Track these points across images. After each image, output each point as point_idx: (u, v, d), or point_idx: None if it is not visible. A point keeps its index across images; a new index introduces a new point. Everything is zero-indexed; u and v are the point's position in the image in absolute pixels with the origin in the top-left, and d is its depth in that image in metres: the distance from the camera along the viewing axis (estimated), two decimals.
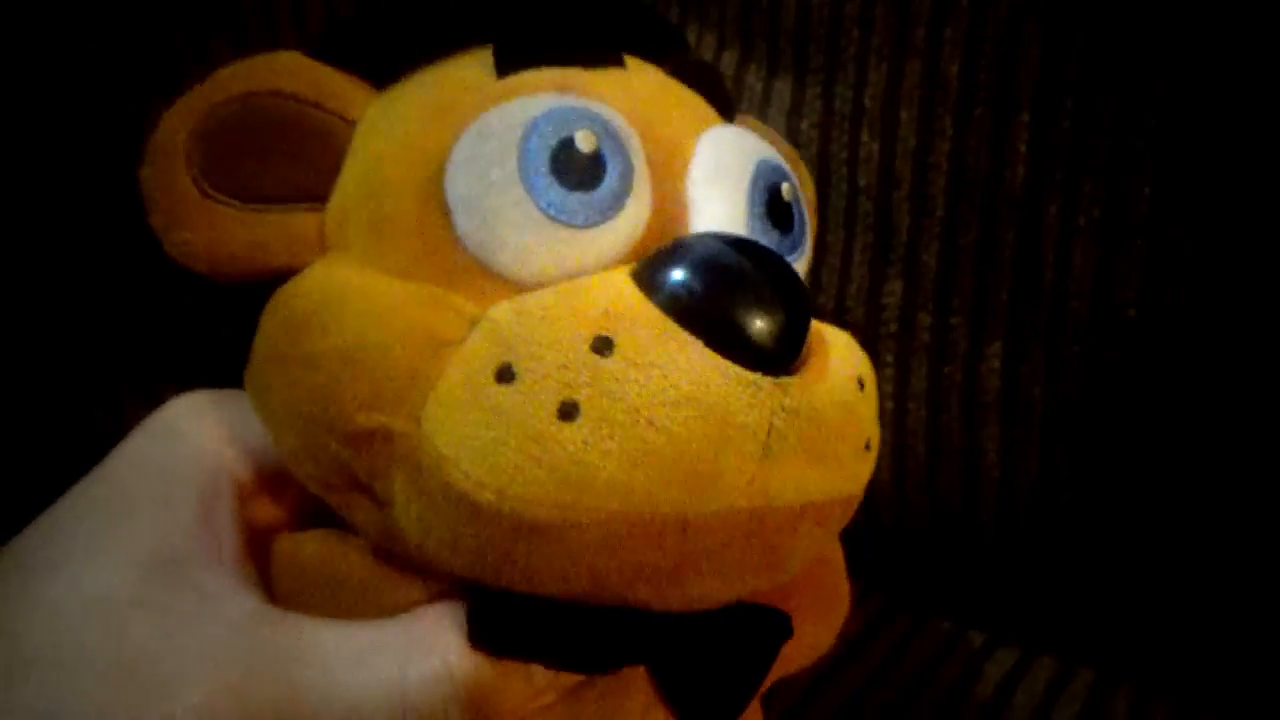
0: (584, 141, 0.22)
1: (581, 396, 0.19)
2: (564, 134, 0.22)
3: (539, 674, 0.22)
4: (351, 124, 0.24)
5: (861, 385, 0.23)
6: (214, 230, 0.23)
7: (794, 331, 0.21)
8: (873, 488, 0.24)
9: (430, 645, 0.22)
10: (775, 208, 0.25)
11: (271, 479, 0.25)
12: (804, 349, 0.22)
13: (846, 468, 0.22)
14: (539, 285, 0.21)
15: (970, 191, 0.37)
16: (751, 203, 0.24)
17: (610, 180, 0.22)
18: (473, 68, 0.24)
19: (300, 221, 0.23)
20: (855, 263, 0.40)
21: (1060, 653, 0.42)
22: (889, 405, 0.40)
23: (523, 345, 0.20)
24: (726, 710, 0.25)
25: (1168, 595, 0.39)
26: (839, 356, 0.23)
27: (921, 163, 0.38)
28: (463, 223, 0.22)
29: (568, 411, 0.19)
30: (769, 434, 0.20)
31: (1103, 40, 0.34)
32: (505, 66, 0.24)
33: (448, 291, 0.22)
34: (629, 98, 0.24)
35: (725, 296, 0.21)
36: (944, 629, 0.44)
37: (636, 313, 0.20)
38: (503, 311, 0.21)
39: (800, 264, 0.26)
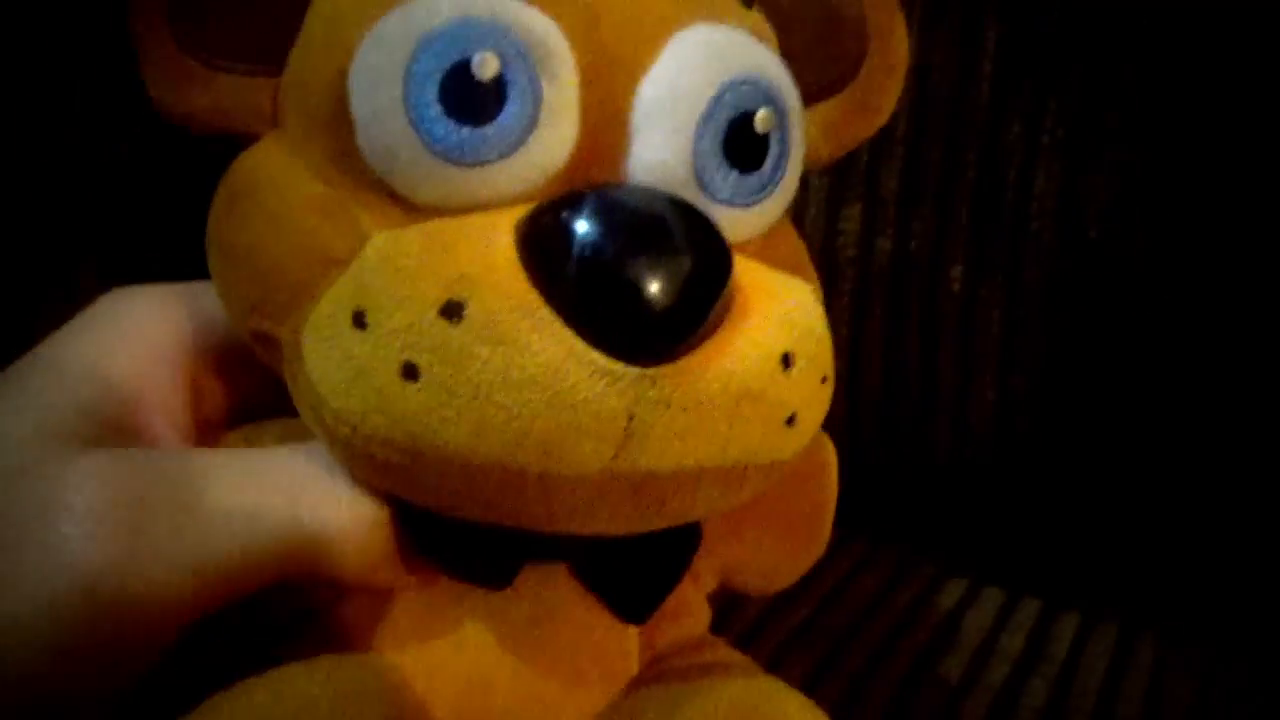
0: (483, 67, 0.20)
1: (423, 361, 0.19)
2: (459, 56, 0.20)
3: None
4: None
5: (788, 362, 0.20)
6: (181, 86, 0.23)
7: (677, 315, 0.19)
8: (828, 414, 0.23)
9: (338, 495, 0.21)
10: (740, 141, 0.22)
11: (218, 374, 0.25)
12: (698, 329, 0.19)
13: (751, 443, 0.21)
14: (436, 211, 0.20)
15: (934, 111, 0.37)
16: (701, 136, 0.21)
17: (511, 112, 0.20)
18: None
19: (256, 90, 0.23)
20: (813, 187, 0.40)
21: (1008, 583, 0.42)
22: (844, 332, 0.40)
23: (377, 295, 0.19)
24: (648, 599, 0.24)
25: (1116, 522, 0.40)
26: (765, 329, 0.20)
27: None
28: (360, 140, 0.20)
29: (409, 372, 0.19)
30: (630, 421, 0.19)
31: None
32: None
33: (351, 202, 0.21)
34: None
35: (597, 271, 0.19)
36: (895, 557, 0.44)
37: (498, 279, 0.19)
38: (373, 249, 0.20)
39: (770, 203, 0.23)
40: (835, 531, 0.40)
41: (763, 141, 0.22)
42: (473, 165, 0.20)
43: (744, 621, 0.40)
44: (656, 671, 0.26)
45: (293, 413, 0.23)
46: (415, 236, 0.20)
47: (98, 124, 0.36)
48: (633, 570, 0.24)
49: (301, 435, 0.24)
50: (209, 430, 0.25)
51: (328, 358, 0.20)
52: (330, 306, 0.20)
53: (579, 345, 0.19)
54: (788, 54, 0.24)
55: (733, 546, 0.27)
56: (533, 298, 0.19)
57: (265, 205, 0.21)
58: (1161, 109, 0.35)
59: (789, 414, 0.21)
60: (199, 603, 0.21)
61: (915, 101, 0.37)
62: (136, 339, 0.24)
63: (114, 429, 0.22)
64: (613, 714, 0.25)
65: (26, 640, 0.19)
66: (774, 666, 0.38)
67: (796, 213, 0.40)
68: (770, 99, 0.22)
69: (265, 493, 0.21)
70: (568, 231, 0.19)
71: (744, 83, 0.22)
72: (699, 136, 0.21)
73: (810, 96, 0.24)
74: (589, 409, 0.19)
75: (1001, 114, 0.36)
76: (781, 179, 0.23)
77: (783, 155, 0.23)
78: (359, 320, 0.19)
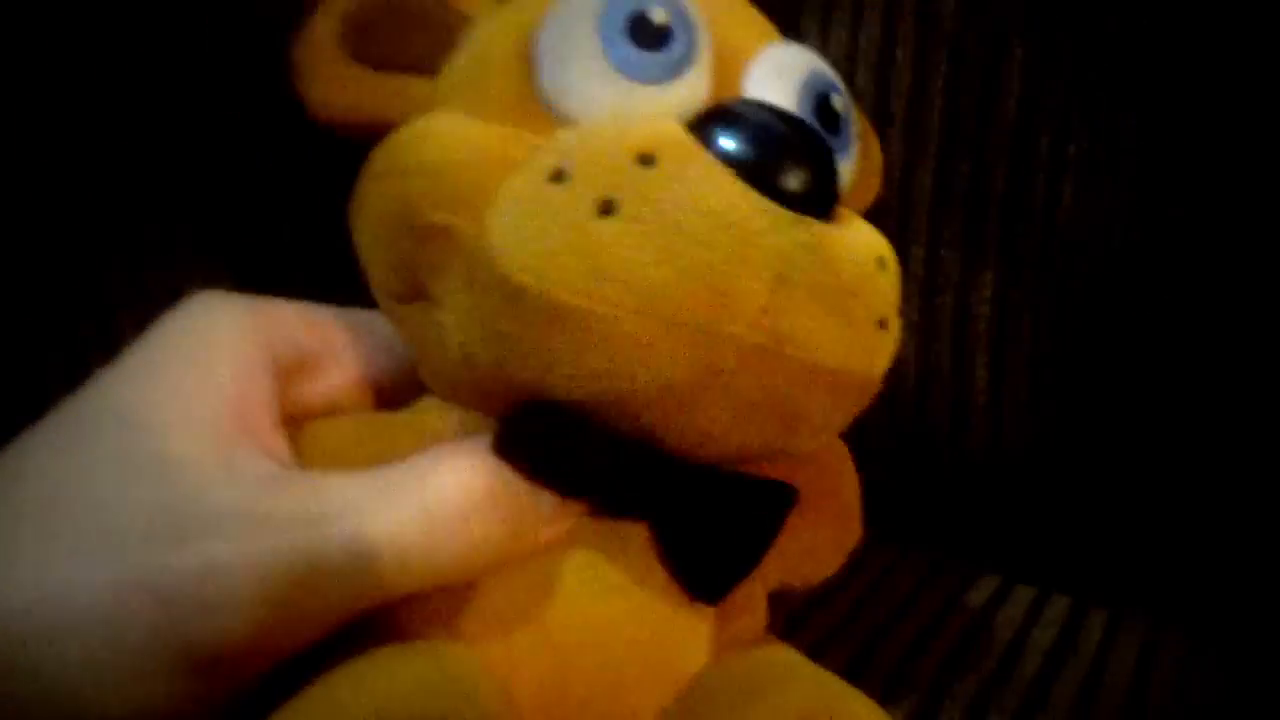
0: (657, 14, 0.25)
1: (620, 196, 0.22)
2: (637, 7, 0.24)
3: (547, 502, 0.24)
4: (468, 18, 0.27)
5: (883, 264, 0.24)
6: (348, 90, 0.27)
7: (818, 187, 0.23)
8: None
9: (451, 462, 0.23)
10: (825, 110, 0.27)
11: (304, 369, 0.26)
12: (828, 211, 0.24)
13: (860, 336, 0.24)
14: None
15: (963, 126, 0.38)
16: (802, 100, 0.26)
17: (677, 47, 0.24)
18: None
19: (417, 86, 0.26)
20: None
21: (1039, 582, 0.43)
22: None
23: (577, 153, 0.23)
24: (725, 577, 0.26)
25: (1145, 520, 0.41)
26: (864, 232, 0.25)
27: (916, 99, 0.39)
28: (542, 72, 0.24)
29: (607, 208, 0.22)
30: (784, 262, 0.22)
31: None
32: None
33: (527, 131, 0.24)
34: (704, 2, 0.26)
35: (761, 146, 0.23)
36: (925, 559, 0.45)
37: (681, 142, 0.23)
38: (566, 130, 0.24)
39: (846, 167, 0.27)
40: (866, 534, 0.41)
41: (838, 116, 0.27)
42: (643, 82, 0.24)
43: (775, 625, 0.41)
44: (723, 666, 0.27)
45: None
46: (604, 122, 0.23)
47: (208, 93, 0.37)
48: (717, 544, 0.26)
49: (378, 424, 0.25)
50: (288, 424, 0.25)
51: (519, 214, 0.22)
52: (525, 176, 0.23)
53: (749, 189, 0.22)
54: None
55: (791, 542, 0.28)
56: (708, 155, 0.23)
57: (445, 137, 0.24)
58: (1183, 120, 0.36)
59: (883, 314, 0.24)
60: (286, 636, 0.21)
61: (946, 117, 0.39)
62: (233, 354, 0.24)
63: (222, 424, 0.23)
64: (681, 708, 0.26)
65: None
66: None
67: None
68: (839, 89, 0.27)
69: (365, 512, 0.22)
70: (733, 122, 0.23)
71: (822, 76, 0.27)
72: (800, 99, 0.26)
73: None
74: (754, 240, 0.22)
75: (1028, 127, 0.38)
76: (851, 148, 0.27)
77: (851, 135, 0.27)
78: (558, 176, 0.22)
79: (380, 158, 0.25)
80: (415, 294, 0.25)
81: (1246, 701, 0.37)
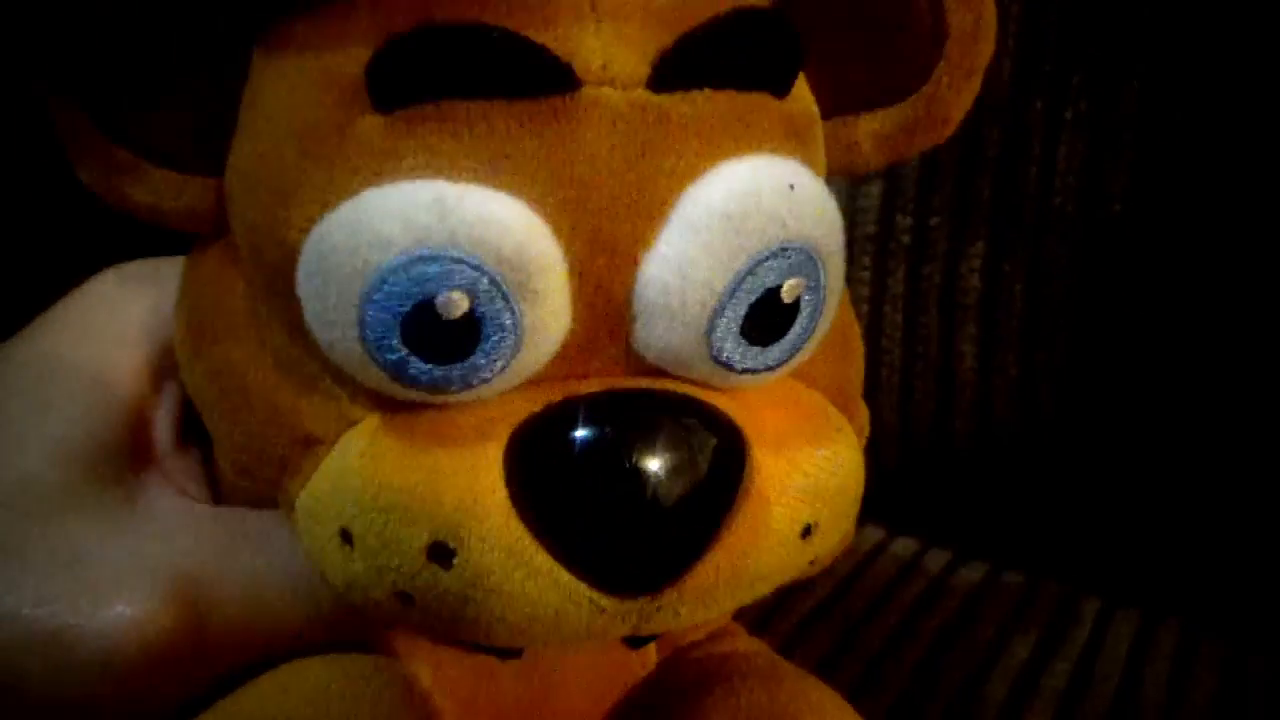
0: (449, 308, 0.17)
1: (416, 595, 0.18)
2: (420, 297, 0.17)
3: None
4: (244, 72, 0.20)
5: (808, 532, 0.19)
6: (111, 178, 0.20)
7: (684, 549, 0.18)
8: None
9: None
10: (762, 318, 0.19)
11: None
12: (704, 553, 0.18)
13: (766, 585, 0.20)
14: (419, 403, 0.19)
15: None
16: (714, 328, 0.19)
17: (488, 348, 0.18)
18: (355, 59, 0.18)
19: (197, 190, 0.20)
20: None
21: (1028, 567, 0.42)
22: (864, 309, 0.40)
23: (362, 526, 0.18)
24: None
25: (1138, 505, 0.39)
26: (785, 511, 0.19)
27: None
28: (312, 330, 0.18)
29: (404, 597, 0.18)
30: (635, 629, 0.19)
31: None
32: (386, 98, 0.17)
33: (326, 374, 0.19)
34: (566, 159, 0.18)
35: (594, 514, 0.17)
36: (912, 541, 0.43)
37: (488, 527, 0.17)
38: (354, 469, 0.18)
39: (799, 357, 0.20)
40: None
41: (790, 309, 0.19)
42: (453, 393, 0.18)
43: (758, 607, 0.40)
44: (674, 665, 0.26)
45: None
46: (397, 460, 0.18)
47: None
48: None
49: None
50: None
51: (322, 555, 0.19)
52: (316, 510, 0.19)
53: (578, 590, 0.18)
54: (837, 55, 0.21)
55: None
56: (525, 543, 0.17)
57: (233, 365, 0.20)
58: (1183, 85, 0.34)
59: (809, 560, 0.20)
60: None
61: None
62: (133, 336, 0.23)
63: (120, 450, 0.22)
64: (629, 709, 0.25)
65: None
66: (790, 648, 0.38)
67: None
68: (802, 265, 0.19)
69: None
70: (558, 467, 0.18)
71: (769, 258, 0.18)
72: (712, 328, 0.18)
73: (861, 103, 0.21)
74: (591, 634, 0.19)
75: (1024, 90, 0.36)
76: (810, 338, 0.20)
77: (813, 317, 0.20)
78: (347, 538, 0.18)
79: (180, 344, 0.21)
80: None
81: (1242, 694, 0.36)
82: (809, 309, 0.19)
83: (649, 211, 0.18)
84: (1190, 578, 0.39)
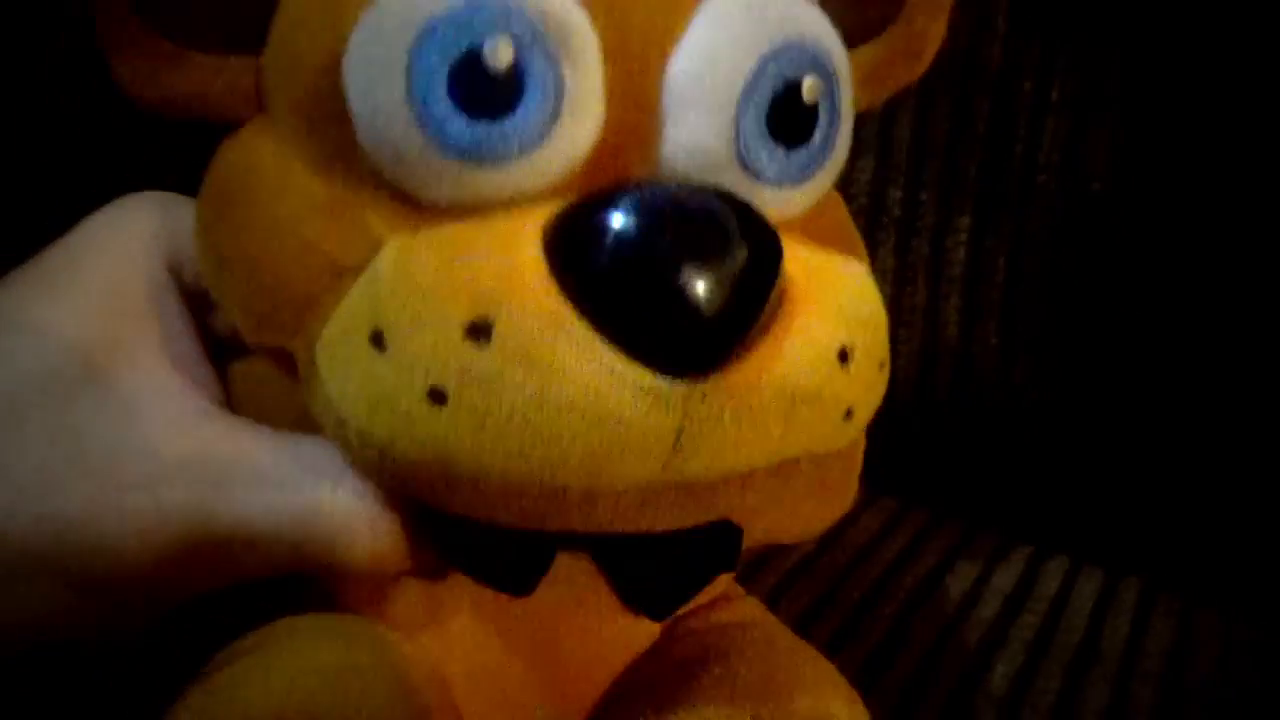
0: (496, 55, 0.17)
1: (450, 386, 0.17)
2: (468, 44, 0.17)
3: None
4: None
5: (845, 357, 0.19)
6: (153, 69, 0.20)
7: (725, 323, 0.17)
8: None
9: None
10: (786, 115, 0.20)
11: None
12: (747, 334, 0.18)
13: (808, 439, 0.19)
14: (451, 210, 0.19)
15: (947, 67, 0.38)
16: (743, 114, 0.19)
17: (530, 104, 0.18)
18: None
19: (235, 70, 0.21)
20: None
21: (1001, 528, 0.44)
22: None
23: (395, 316, 0.18)
24: (667, 601, 0.23)
25: (1105, 469, 0.41)
26: (821, 324, 0.19)
27: None
28: (362, 140, 0.19)
29: (437, 395, 0.17)
30: (678, 439, 0.18)
31: None
32: None
33: (357, 203, 0.19)
34: None
35: (636, 282, 0.17)
36: (892, 503, 0.45)
37: (527, 294, 0.17)
38: (387, 263, 0.18)
39: (821, 176, 0.21)
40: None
41: (811, 112, 0.20)
42: (490, 164, 0.18)
43: (744, 561, 0.42)
44: (675, 635, 0.25)
45: None
46: (432, 247, 0.18)
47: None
48: (662, 571, 0.22)
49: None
50: (222, 348, 0.24)
51: (347, 378, 0.18)
52: (345, 323, 0.18)
53: (619, 363, 0.17)
54: None
55: (768, 516, 0.25)
56: (565, 312, 0.17)
57: (262, 210, 0.20)
58: (1166, 68, 0.36)
59: (846, 409, 0.19)
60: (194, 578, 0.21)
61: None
62: (141, 268, 0.23)
63: (135, 347, 0.22)
64: (629, 683, 0.24)
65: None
66: (774, 601, 0.40)
67: None
68: (817, 65, 0.20)
69: (274, 486, 0.21)
70: (600, 237, 0.17)
71: (788, 49, 0.19)
72: (741, 114, 0.19)
73: (847, 40, 0.22)
74: (634, 429, 0.17)
75: (1013, 70, 0.37)
76: (832, 151, 0.21)
77: (833, 125, 0.21)
78: (378, 341, 0.18)
79: (205, 207, 0.21)
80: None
81: (1193, 645, 0.38)
82: (826, 117, 0.20)
83: (676, 7, 0.19)
84: (1151, 538, 0.41)
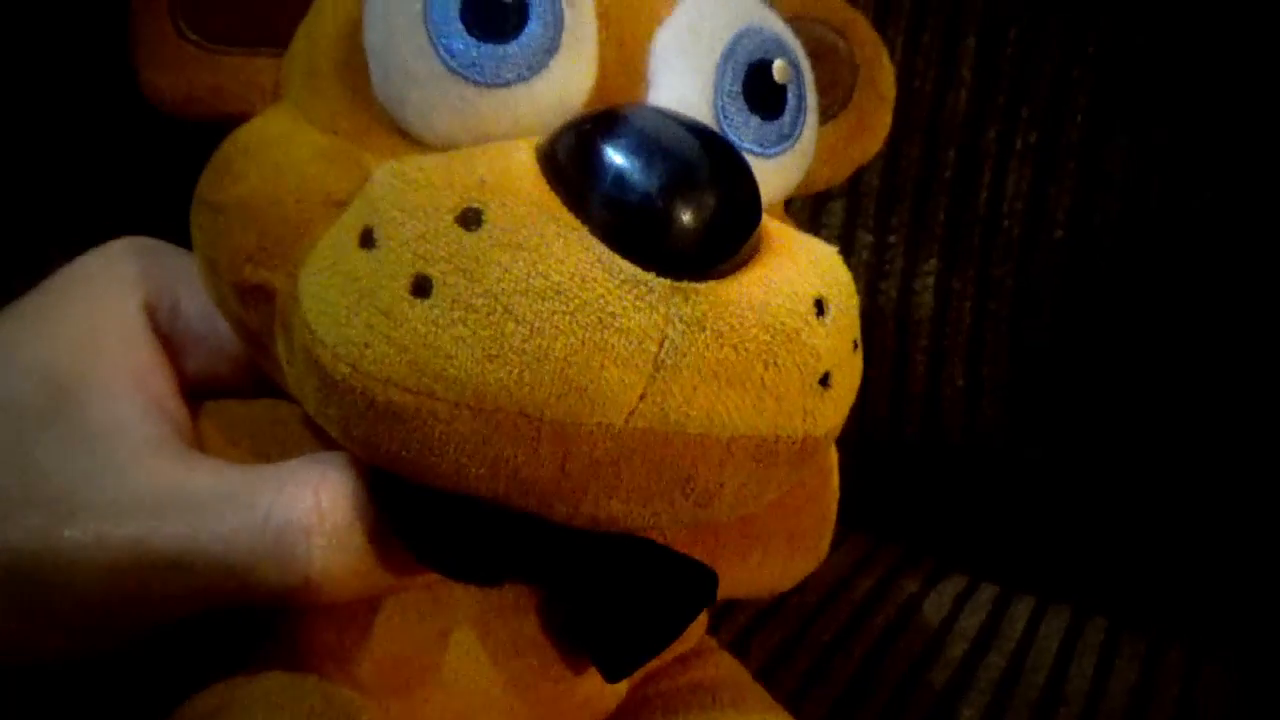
0: None
1: (436, 272, 0.17)
2: None
3: (398, 560, 0.20)
4: None
5: (821, 309, 0.19)
6: (181, 71, 0.22)
7: (714, 229, 0.18)
8: None
9: (307, 480, 0.20)
10: (759, 87, 0.21)
11: (207, 338, 0.24)
12: (733, 254, 0.18)
13: (786, 401, 0.19)
14: (449, 146, 0.19)
15: (915, 114, 0.39)
16: (722, 77, 0.21)
17: (532, 31, 0.19)
18: None
19: (258, 68, 0.22)
20: None
21: (969, 568, 0.44)
22: None
23: (387, 209, 0.18)
24: (630, 658, 0.23)
25: (1070, 510, 0.42)
26: (798, 270, 0.19)
27: None
28: (375, 72, 0.20)
29: (421, 287, 0.17)
30: (661, 346, 0.17)
31: None
32: None
33: (358, 147, 0.20)
34: None
35: (627, 178, 0.18)
36: (861, 543, 0.45)
37: (519, 186, 0.18)
38: (383, 171, 0.19)
39: (789, 158, 0.22)
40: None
41: (781, 91, 0.22)
42: (491, 85, 0.19)
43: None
44: (643, 696, 0.25)
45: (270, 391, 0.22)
46: (431, 156, 0.19)
47: (75, 115, 0.36)
48: (621, 623, 0.22)
49: (271, 412, 0.23)
50: (193, 392, 0.24)
51: (329, 286, 0.18)
52: (334, 235, 0.19)
53: (606, 253, 0.17)
54: None
55: (737, 569, 0.26)
56: (556, 204, 0.18)
57: (262, 158, 0.21)
58: (1126, 120, 0.37)
59: (824, 370, 0.19)
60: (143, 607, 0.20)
61: (899, 104, 0.40)
62: (117, 308, 0.23)
63: (105, 382, 0.22)
64: None
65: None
66: (745, 641, 0.40)
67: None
68: (785, 52, 0.22)
69: (217, 512, 0.20)
70: (594, 143, 0.18)
71: (760, 31, 0.22)
72: (720, 75, 0.21)
73: None
74: (617, 325, 0.17)
75: (978, 119, 0.38)
76: (800, 132, 0.22)
77: (800, 109, 0.22)
78: (366, 239, 0.18)
79: (205, 175, 0.22)
80: (258, 340, 0.22)
81: (1162, 687, 0.38)
82: (794, 100, 0.22)
83: None
84: (1116, 576, 0.42)
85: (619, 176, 0.18)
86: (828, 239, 0.43)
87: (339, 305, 0.18)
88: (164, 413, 0.22)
